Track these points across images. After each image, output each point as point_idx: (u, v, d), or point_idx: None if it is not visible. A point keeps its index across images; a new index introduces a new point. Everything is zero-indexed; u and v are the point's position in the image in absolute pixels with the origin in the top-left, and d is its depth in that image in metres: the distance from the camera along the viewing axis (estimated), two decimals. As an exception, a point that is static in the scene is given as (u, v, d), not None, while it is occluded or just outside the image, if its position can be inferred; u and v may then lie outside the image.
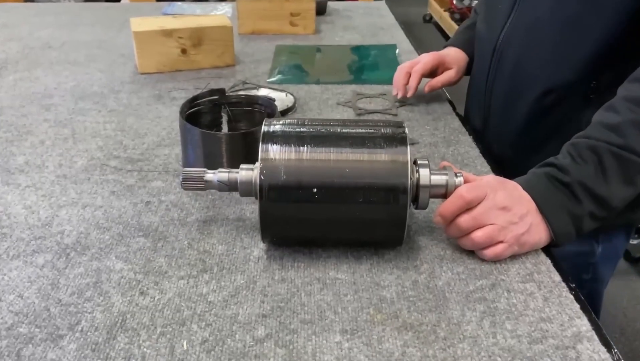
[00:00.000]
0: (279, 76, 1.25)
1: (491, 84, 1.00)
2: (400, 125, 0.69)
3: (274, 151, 0.66)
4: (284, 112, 1.07)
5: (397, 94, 1.10)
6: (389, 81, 1.22)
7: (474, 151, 0.95)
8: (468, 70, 1.14)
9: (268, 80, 1.23)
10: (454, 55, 1.14)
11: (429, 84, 1.11)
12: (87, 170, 0.88)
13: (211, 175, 0.71)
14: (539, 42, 0.89)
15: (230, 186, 0.70)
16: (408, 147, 0.66)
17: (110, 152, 0.93)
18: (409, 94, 1.09)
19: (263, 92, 1.15)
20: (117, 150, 0.94)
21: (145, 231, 0.74)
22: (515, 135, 0.96)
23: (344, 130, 0.68)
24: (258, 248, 0.72)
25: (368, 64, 1.35)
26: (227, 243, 0.72)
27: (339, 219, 0.66)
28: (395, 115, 1.07)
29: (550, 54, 0.88)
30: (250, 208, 0.79)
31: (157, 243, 0.72)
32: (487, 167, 0.90)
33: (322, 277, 0.67)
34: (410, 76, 1.10)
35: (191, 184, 0.71)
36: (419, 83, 1.10)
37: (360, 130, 0.68)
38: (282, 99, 1.11)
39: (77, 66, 1.30)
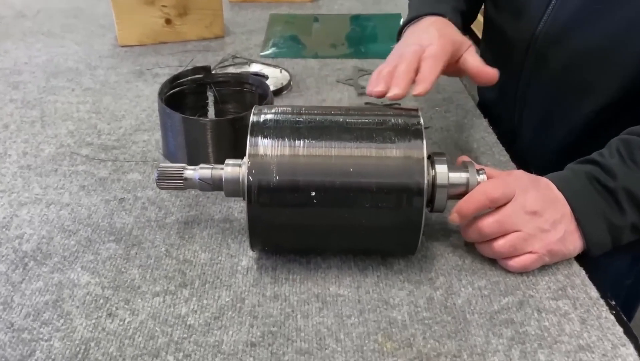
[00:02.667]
0: (272, 49, 1.13)
1: (523, 90, 0.83)
2: (414, 113, 0.59)
3: (264, 146, 0.56)
4: (278, 92, 0.96)
5: (376, 88, 0.63)
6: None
7: (491, 137, 0.85)
8: None
9: (261, 54, 1.11)
10: (454, 29, 0.75)
11: (481, 72, 0.69)
12: (54, 160, 0.78)
13: (191, 172, 0.61)
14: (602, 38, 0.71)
15: (213, 185, 0.60)
16: (424, 141, 0.56)
17: (82, 139, 0.83)
18: (417, 91, 0.62)
19: (255, 67, 1.04)
20: (90, 135, 0.83)
21: (117, 234, 0.64)
22: (557, 154, 0.79)
23: (347, 120, 0.58)
24: (247, 256, 0.62)
25: (370, 35, 1.23)
26: (211, 250, 0.62)
27: (341, 227, 0.56)
28: (402, 94, 0.96)
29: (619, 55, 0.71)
30: (239, 206, 0.69)
31: (130, 249, 0.62)
32: (506, 156, 0.80)
33: (321, 293, 0.57)
34: (419, 64, 0.65)
35: (168, 183, 0.61)
36: (437, 77, 0.64)
37: (366, 120, 0.58)
38: (276, 76, 1.00)
39: (51, 38, 1.18)
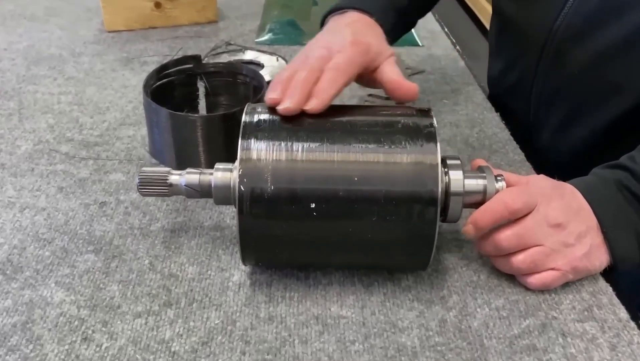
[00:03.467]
0: (269, 35, 1.07)
1: (539, 90, 0.76)
2: (426, 113, 0.53)
3: (258, 150, 0.50)
4: (275, 82, 0.89)
5: (274, 99, 0.53)
6: (398, 42, 1.04)
7: (504, 134, 0.78)
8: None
9: (256, 40, 1.05)
10: (377, 32, 0.65)
11: (396, 87, 0.59)
12: (31, 158, 0.71)
13: (177, 177, 0.54)
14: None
15: (202, 192, 0.54)
16: (438, 144, 0.50)
17: (63, 134, 0.76)
18: (309, 107, 0.52)
19: (250, 55, 0.98)
20: (71, 130, 0.77)
21: (97, 244, 0.59)
22: (576, 159, 0.73)
23: (352, 121, 0.52)
24: (239, 269, 0.56)
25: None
26: (200, 263, 0.57)
27: (345, 242, 0.50)
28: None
29: None
30: (232, 212, 0.63)
31: (111, 261, 0.57)
32: (521, 155, 0.74)
33: (321, 314, 0.51)
34: (321, 75, 0.55)
35: (151, 189, 0.55)
36: (338, 93, 0.55)
37: (373, 121, 0.52)
38: (272, 64, 0.94)
39: (34, 22, 1.11)
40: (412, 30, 1.09)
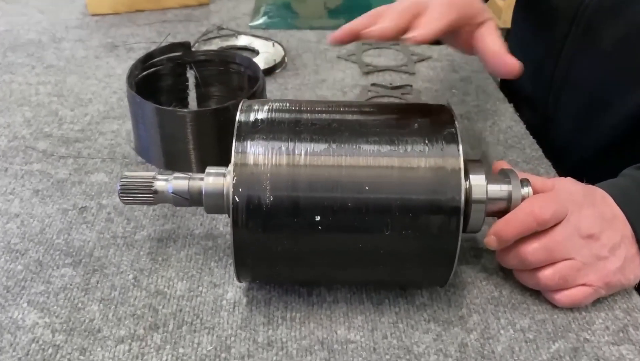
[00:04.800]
0: (263, 19, 1.00)
1: (564, 69, 0.70)
2: (445, 110, 0.47)
3: (255, 154, 0.44)
4: (270, 70, 0.83)
5: (380, 25, 0.50)
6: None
7: (519, 127, 0.73)
8: None
9: (250, 24, 0.98)
10: None
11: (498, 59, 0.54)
12: (5, 156, 0.65)
13: (163, 183, 0.48)
14: None
15: (191, 200, 0.48)
16: (460, 147, 0.44)
17: (40, 128, 0.70)
18: (412, 34, 0.48)
19: (243, 40, 0.91)
20: (49, 125, 0.71)
21: (76, 256, 0.53)
22: (601, 148, 0.67)
23: (361, 120, 0.46)
24: (234, 285, 0.50)
25: (374, 2, 1.09)
26: (190, 278, 0.51)
27: (353, 259, 0.45)
28: (413, 73, 0.84)
29: None
30: (226, 218, 0.57)
31: (91, 276, 0.51)
32: (539, 151, 0.68)
33: (327, 338, 0.46)
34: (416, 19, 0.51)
35: (134, 197, 0.49)
36: (444, 28, 0.51)
37: (385, 120, 0.46)
38: (268, 51, 0.87)
39: (12, 4, 1.04)
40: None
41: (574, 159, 0.70)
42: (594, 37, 0.66)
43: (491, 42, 0.53)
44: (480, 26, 0.54)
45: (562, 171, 0.65)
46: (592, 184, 0.52)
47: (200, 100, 0.73)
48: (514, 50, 0.83)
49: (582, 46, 0.67)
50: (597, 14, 0.65)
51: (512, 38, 0.85)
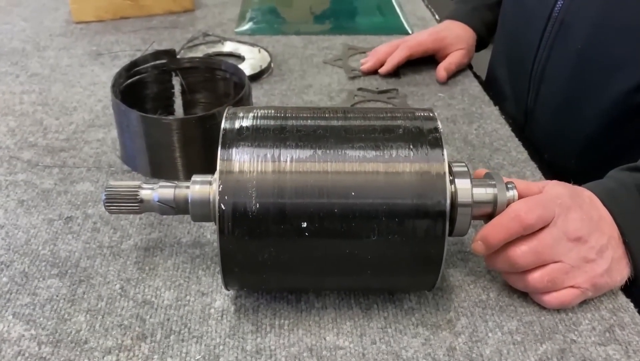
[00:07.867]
0: (249, 24, 1.00)
1: (541, 66, 0.73)
2: (429, 115, 0.47)
3: (240, 161, 0.44)
4: (257, 76, 0.83)
5: (365, 64, 0.84)
6: (386, 30, 0.99)
7: (504, 130, 0.73)
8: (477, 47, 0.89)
9: (236, 30, 0.98)
10: (459, 33, 0.87)
11: (443, 67, 0.83)
12: (-11, 167, 0.65)
13: (149, 192, 0.48)
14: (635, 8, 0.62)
15: (177, 208, 0.48)
16: (444, 151, 0.44)
17: (25, 138, 0.69)
18: (383, 70, 0.83)
19: (229, 46, 0.91)
20: (34, 134, 0.70)
21: (62, 267, 0.52)
22: (582, 141, 0.70)
23: (346, 125, 0.46)
24: (222, 293, 0.50)
25: (359, 6, 1.10)
26: (178, 287, 0.51)
27: (340, 265, 0.45)
28: (399, 77, 0.84)
29: None
30: (213, 226, 0.57)
31: (77, 287, 0.50)
32: (524, 153, 0.69)
33: (315, 345, 0.46)
34: (395, 49, 0.84)
35: (119, 206, 0.48)
36: (403, 61, 0.83)
37: (371, 125, 0.46)
38: (254, 56, 0.87)
39: (-5, 13, 1.03)
40: (401, 17, 1.03)
41: (554, 151, 0.72)
42: (567, 35, 0.68)
43: (444, 62, 0.84)
44: (448, 54, 0.85)
45: (543, 164, 0.68)
46: (573, 177, 0.53)
47: (187, 107, 0.73)
48: (499, 43, 0.89)
49: (557, 42, 0.70)
50: (570, 10, 0.68)
51: (498, 38, 0.87)
